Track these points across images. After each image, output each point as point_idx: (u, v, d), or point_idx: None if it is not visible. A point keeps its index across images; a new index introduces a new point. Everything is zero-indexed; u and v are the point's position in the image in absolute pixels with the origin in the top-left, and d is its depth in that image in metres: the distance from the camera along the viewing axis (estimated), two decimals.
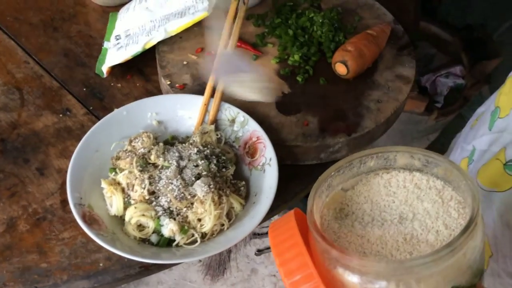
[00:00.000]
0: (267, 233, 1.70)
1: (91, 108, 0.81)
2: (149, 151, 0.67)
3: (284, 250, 0.44)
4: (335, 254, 0.42)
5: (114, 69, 0.84)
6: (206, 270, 1.59)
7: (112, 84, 0.84)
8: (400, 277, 0.41)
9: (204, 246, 0.63)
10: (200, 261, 1.61)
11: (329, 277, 0.43)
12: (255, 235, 1.69)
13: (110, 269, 0.64)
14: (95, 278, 0.64)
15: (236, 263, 1.63)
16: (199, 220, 0.64)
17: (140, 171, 0.65)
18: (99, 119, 0.74)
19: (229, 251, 1.63)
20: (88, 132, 0.69)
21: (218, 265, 1.60)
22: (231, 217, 0.66)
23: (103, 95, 0.83)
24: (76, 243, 0.66)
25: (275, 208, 0.71)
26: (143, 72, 0.86)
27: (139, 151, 0.68)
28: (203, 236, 0.65)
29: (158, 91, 0.83)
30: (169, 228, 0.63)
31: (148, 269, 0.65)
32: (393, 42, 0.85)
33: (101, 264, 0.65)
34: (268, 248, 1.67)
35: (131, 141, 0.69)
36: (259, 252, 1.66)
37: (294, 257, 0.43)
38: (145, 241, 0.65)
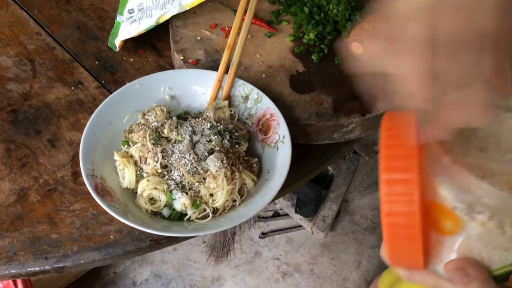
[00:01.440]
0: (271, 216, 1.71)
1: (103, 81, 0.80)
2: (162, 125, 0.67)
3: (395, 157, 0.40)
4: (446, 162, 0.39)
5: (126, 43, 0.83)
6: (210, 251, 1.60)
7: (124, 58, 0.83)
8: (499, 211, 0.39)
9: (216, 221, 0.63)
10: (204, 242, 1.62)
11: (425, 184, 0.40)
12: (259, 218, 1.70)
13: (120, 242, 0.64)
14: (105, 250, 0.64)
15: (240, 245, 1.63)
16: (211, 195, 0.64)
17: (153, 144, 0.65)
18: (111, 93, 0.73)
19: (233, 233, 1.63)
20: (101, 104, 0.68)
21: (222, 247, 1.60)
22: (243, 194, 0.66)
23: (115, 69, 0.82)
24: (87, 215, 0.66)
25: (287, 186, 0.70)
26: (156, 47, 0.85)
27: (152, 124, 0.67)
28: (215, 211, 0.64)
29: (170, 67, 0.83)
30: (181, 202, 0.62)
31: (159, 243, 0.65)
32: None
33: (111, 237, 0.65)
34: (272, 231, 1.67)
35: (144, 114, 0.69)
36: (263, 235, 1.66)
37: (402, 170, 0.40)
38: (156, 214, 0.64)
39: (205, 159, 0.64)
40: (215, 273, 1.57)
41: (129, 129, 0.68)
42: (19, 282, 0.91)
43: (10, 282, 0.91)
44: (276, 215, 1.72)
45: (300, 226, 1.67)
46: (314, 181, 1.61)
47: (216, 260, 1.59)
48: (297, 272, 1.59)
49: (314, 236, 1.65)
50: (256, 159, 0.69)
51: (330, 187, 1.66)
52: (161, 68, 0.82)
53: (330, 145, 0.75)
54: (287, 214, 1.70)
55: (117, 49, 0.83)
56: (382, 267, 1.60)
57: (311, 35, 0.79)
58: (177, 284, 1.54)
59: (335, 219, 1.63)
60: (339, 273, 1.60)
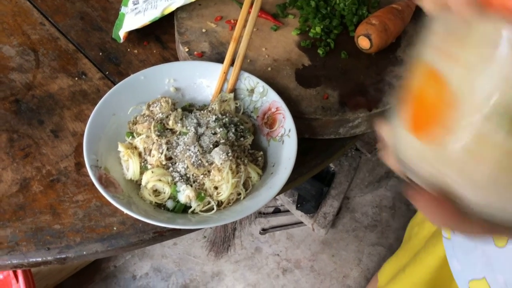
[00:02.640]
0: (272, 212, 1.70)
1: (107, 73, 0.80)
2: (167, 117, 0.66)
3: None
4: None
5: (131, 34, 0.83)
6: (210, 247, 1.59)
7: (128, 50, 0.83)
8: None
9: (220, 214, 0.62)
10: (204, 237, 1.62)
11: None
12: (260, 214, 1.69)
13: (124, 233, 0.64)
14: (108, 242, 0.63)
15: (241, 241, 1.63)
16: (216, 188, 0.64)
17: (158, 136, 0.64)
18: (114, 84, 0.73)
19: (233, 228, 1.63)
20: (106, 95, 0.68)
21: (222, 242, 1.60)
22: (248, 187, 0.66)
23: (119, 60, 0.81)
24: (90, 206, 0.66)
25: (291, 181, 0.70)
26: (160, 39, 0.84)
27: (157, 116, 0.67)
28: (219, 204, 0.64)
29: (175, 59, 0.82)
30: (185, 194, 0.62)
31: (162, 235, 0.64)
32: (417, 18, 0.83)
33: (115, 228, 0.64)
34: (273, 227, 1.67)
35: (149, 106, 0.68)
36: (264, 231, 1.66)
37: None
38: (160, 206, 0.64)
39: (210, 152, 0.64)
40: (215, 268, 1.57)
41: (133, 120, 0.68)
42: (19, 273, 0.90)
43: (11, 273, 0.91)
44: (277, 211, 1.72)
45: (301, 222, 1.67)
46: (316, 177, 1.61)
47: (216, 255, 1.59)
48: (297, 269, 1.59)
49: (314, 232, 1.64)
50: (261, 153, 0.68)
51: (332, 184, 1.65)
52: (166, 60, 0.82)
53: (335, 140, 0.74)
54: (288, 211, 1.69)
55: (121, 41, 0.82)
56: (382, 265, 1.59)
57: (318, 29, 0.79)
58: (177, 278, 1.54)
59: (336, 216, 1.63)
60: (339, 270, 1.59)
